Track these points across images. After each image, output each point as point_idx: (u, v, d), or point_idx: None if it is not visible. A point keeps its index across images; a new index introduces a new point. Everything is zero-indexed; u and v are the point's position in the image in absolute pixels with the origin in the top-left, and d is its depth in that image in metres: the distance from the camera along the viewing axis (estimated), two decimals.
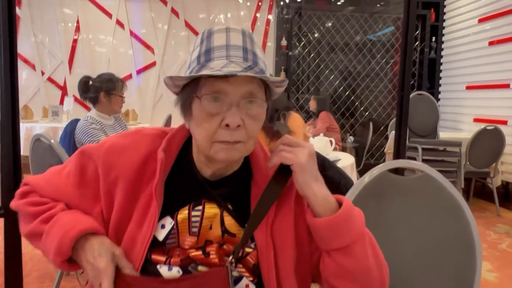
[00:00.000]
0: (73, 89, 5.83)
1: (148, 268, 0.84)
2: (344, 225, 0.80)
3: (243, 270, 0.86)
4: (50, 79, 6.02)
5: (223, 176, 0.90)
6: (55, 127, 4.26)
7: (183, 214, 0.86)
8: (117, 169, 0.87)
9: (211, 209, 0.87)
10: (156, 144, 0.90)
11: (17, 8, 5.77)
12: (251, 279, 0.86)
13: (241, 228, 0.87)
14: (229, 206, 0.89)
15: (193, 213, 0.86)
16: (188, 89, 0.84)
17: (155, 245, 0.85)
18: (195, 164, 0.90)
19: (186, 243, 0.86)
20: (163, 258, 0.85)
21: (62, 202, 0.91)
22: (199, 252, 0.85)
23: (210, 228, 0.87)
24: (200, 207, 0.87)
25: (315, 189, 0.82)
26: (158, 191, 0.84)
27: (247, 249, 0.86)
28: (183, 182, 0.90)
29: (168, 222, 0.86)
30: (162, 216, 0.86)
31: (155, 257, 0.85)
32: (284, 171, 0.86)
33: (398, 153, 1.54)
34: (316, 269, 0.89)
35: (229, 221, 0.87)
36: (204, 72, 0.79)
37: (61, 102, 5.74)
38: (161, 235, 0.85)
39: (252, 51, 0.83)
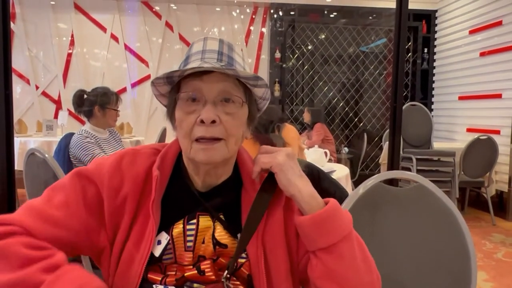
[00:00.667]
0: (67, 103, 5.82)
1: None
2: (330, 222, 0.80)
3: (238, 283, 0.86)
4: (44, 93, 6.01)
5: (214, 186, 0.91)
6: (50, 141, 4.24)
7: (178, 228, 0.86)
8: (123, 190, 0.86)
9: (206, 222, 0.88)
10: (151, 162, 0.90)
11: (11, 23, 5.80)
12: None
13: (233, 239, 0.87)
14: (221, 216, 0.89)
15: (188, 226, 0.87)
16: (171, 95, 0.89)
17: (152, 262, 0.85)
18: (189, 176, 0.91)
19: (184, 258, 0.86)
20: (159, 278, 0.85)
21: (62, 241, 0.81)
22: (194, 272, 0.85)
23: (203, 242, 0.87)
24: (194, 221, 0.87)
25: (300, 186, 0.83)
26: (154, 208, 0.85)
27: (240, 260, 0.86)
28: (178, 196, 0.90)
29: (164, 237, 0.86)
30: (158, 232, 0.86)
31: (151, 276, 0.85)
32: (271, 180, 0.87)
33: (392, 164, 1.54)
34: (304, 275, 0.88)
35: (220, 231, 0.87)
36: (177, 73, 0.83)
37: (56, 116, 5.72)
38: (157, 251, 0.85)
39: (228, 55, 0.87)
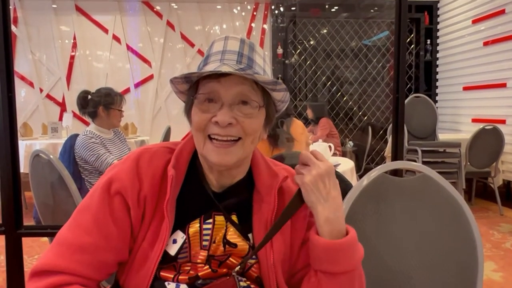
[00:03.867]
0: (71, 105, 5.85)
1: (156, 286, 0.84)
2: (341, 254, 0.82)
3: (248, 282, 0.87)
4: (48, 96, 6.04)
5: (229, 186, 0.91)
6: (55, 143, 4.26)
7: (194, 227, 0.87)
8: (143, 192, 0.85)
9: (221, 222, 0.88)
10: (167, 160, 0.89)
11: (13, 27, 5.84)
12: None
13: (243, 239, 0.88)
14: (234, 216, 0.89)
15: (204, 226, 0.87)
16: (189, 93, 0.88)
17: (167, 261, 0.85)
18: (204, 175, 0.91)
19: (198, 256, 0.86)
20: (171, 275, 0.85)
21: (104, 263, 0.83)
22: (207, 270, 0.86)
23: (214, 242, 0.87)
24: (210, 220, 0.88)
25: (319, 209, 0.84)
26: (169, 208, 0.84)
27: (250, 261, 0.87)
28: (193, 195, 0.90)
29: (180, 236, 0.86)
30: (173, 230, 0.86)
31: (164, 274, 0.85)
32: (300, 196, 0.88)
33: (396, 155, 1.54)
34: (295, 285, 0.90)
35: (232, 233, 0.88)
36: (195, 74, 0.82)
37: (60, 119, 5.75)
38: (173, 250, 0.85)
39: (248, 56, 0.85)
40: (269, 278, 0.86)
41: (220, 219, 0.88)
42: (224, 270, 0.86)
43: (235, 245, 0.87)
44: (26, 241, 1.74)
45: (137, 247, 0.85)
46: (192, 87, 0.87)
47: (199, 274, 0.85)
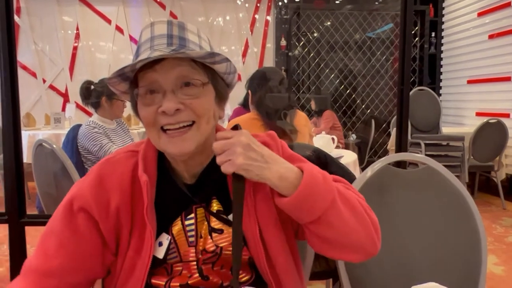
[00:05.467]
0: (74, 96, 5.85)
1: None
2: (309, 201, 0.76)
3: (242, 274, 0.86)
4: (51, 87, 6.03)
5: (200, 173, 0.88)
6: (58, 133, 4.26)
7: (177, 225, 0.85)
8: (113, 204, 0.83)
9: (203, 214, 0.87)
10: (131, 165, 0.86)
11: (16, 17, 5.81)
12: (248, 277, 0.87)
13: (224, 224, 0.86)
14: (215, 201, 0.87)
15: (187, 222, 0.85)
16: (131, 91, 0.84)
17: (156, 265, 0.84)
18: (175, 171, 0.88)
19: (189, 254, 0.85)
20: (162, 282, 0.84)
21: (77, 284, 0.83)
22: (198, 278, 0.85)
23: (201, 236, 0.86)
24: (192, 215, 0.86)
25: (266, 175, 0.78)
26: (149, 215, 0.82)
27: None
28: (169, 194, 0.87)
29: (165, 238, 0.85)
30: (157, 234, 0.84)
31: (155, 281, 0.84)
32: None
33: (400, 147, 1.53)
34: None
35: (214, 220, 0.86)
36: (127, 69, 0.79)
37: (63, 109, 5.75)
38: (161, 253, 0.84)
39: (179, 36, 0.82)
40: (258, 255, 0.84)
41: (201, 211, 0.86)
42: (215, 279, 0.85)
43: (221, 231, 0.85)
44: (29, 231, 1.75)
45: (122, 258, 0.84)
46: (133, 83, 0.84)
47: (189, 282, 0.84)
